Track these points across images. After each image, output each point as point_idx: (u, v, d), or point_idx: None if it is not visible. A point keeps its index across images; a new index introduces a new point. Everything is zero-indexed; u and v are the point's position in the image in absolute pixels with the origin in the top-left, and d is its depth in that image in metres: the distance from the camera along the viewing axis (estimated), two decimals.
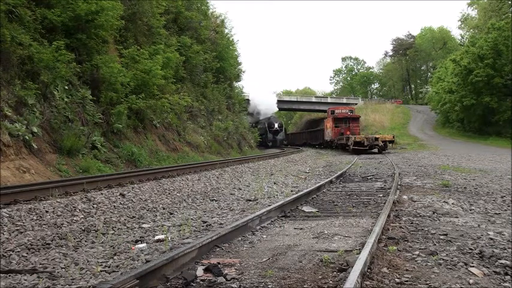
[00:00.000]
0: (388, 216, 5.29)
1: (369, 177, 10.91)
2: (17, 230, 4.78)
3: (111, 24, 15.32)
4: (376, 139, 25.93)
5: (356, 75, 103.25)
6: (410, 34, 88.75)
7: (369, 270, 3.17)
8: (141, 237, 4.66)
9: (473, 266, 3.32)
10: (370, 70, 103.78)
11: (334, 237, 4.43)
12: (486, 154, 21.68)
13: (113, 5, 15.19)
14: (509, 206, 6.17)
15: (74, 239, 4.60)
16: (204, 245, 3.76)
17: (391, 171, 12.51)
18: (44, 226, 5.04)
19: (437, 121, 51.93)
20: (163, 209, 6.54)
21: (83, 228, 5.07)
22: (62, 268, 3.54)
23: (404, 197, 7.09)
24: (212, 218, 5.67)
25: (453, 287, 2.91)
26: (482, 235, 4.29)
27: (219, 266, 3.42)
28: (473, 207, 6.14)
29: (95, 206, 6.21)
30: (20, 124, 10.43)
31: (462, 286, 2.92)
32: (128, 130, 16.14)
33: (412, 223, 4.99)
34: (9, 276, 3.35)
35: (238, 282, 3.07)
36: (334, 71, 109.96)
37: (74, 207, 5.94)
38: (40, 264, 3.68)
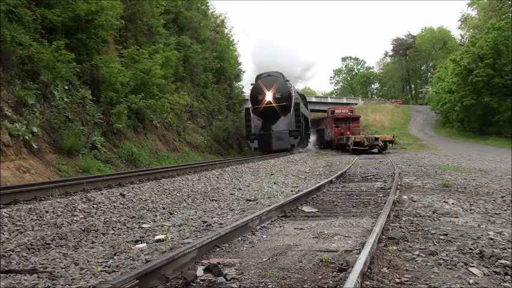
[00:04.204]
0: (388, 216, 5.29)
1: (369, 177, 10.91)
2: (17, 230, 4.78)
3: (111, 24, 15.32)
4: (376, 139, 25.94)
5: (356, 75, 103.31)
6: (410, 34, 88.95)
7: (369, 270, 3.17)
8: (141, 237, 4.65)
9: (473, 266, 3.32)
10: (370, 70, 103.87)
11: (334, 237, 4.43)
12: (486, 154, 21.68)
13: (112, 4, 15.19)
14: (509, 206, 6.17)
15: (74, 239, 4.60)
16: (204, 245, 3.76)
17: (391, 171, 12.50)
18: (44, 226, 5.04)
19: (437, 121, 52.00)
20: (163, 209, 6.53)
21: (83, 228, 5.07)
22: (62, 268, 3.54)
23: (405, 197, 7.08)
24: (212, 218, 5.67)
25: (453, 287, 2.91)
26: (482, 235, 4.29)
27: (219, 266, 3.42)
28: (473, 207, 6.14)
29: (95, 206, 6.20)
30: (20, 124, 10.43)
31: (462, 286, 2.92)
32: (127, 130, 16.14)
33: (412, 223, 4.99)
34: (9, 276, 3.34)
35: (238, 282, 3.07)
36: (334, 71, 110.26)
37: (74, 207, 5.94)
38: (40, 264, 3.68)
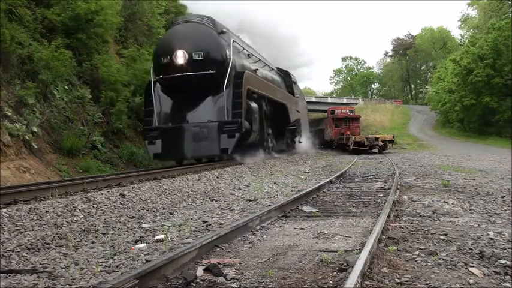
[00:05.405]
0: (388, 216, 5.28)
1: (369, 177, 10.91)
2: (17, 230, 4.77)
3: (110, 23, 15.34)
4: (376, 139, 25.94)
5: (356, 75, 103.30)
6: (410, 34, 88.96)
7: (369, 270, 3.17)
8: (141, 237, 4.65)
9: (473, 266, 3.32)
10: (370, 70, 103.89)
11: (334, 237, 4.43)
12: (486, 154, 21.68)
13: (111, 3, 15.21)
14: (509, 206, 6.17)
15: (74, 239, 4.60)
16: (204, 245, 3.76)
17: (391, 171, 12.50)
18: (44, 226, 5.04)
19: (437, 121, 52.03)
20: (163, 209, 6.53)
21: (83, 228, 5.07)
22: (62, 268, 3.54)
23: (405, 197, 7.08)
24: (212, 218, 5.67)
25: (453, 287, 2.91)
26: (482, 235, 4.29)
27: (219, 266, 3.42)
28: (473, 207, 6.14)
29: (95, 206, 6.20)
30: (20, 124, 10.44)
31: (462, 286, 2.92)
32: (127, 130, 16.15)
33: (412, 223, 4.99)
34: (9, 276, 3.34)
35: (238, 282, 3.07)
36: (334, 71, 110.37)
37: (74, 207, 5.93)
38: (40, 264, 3.68)
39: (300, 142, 25.13)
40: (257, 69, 15.99)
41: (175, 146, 12.34)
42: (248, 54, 15.87)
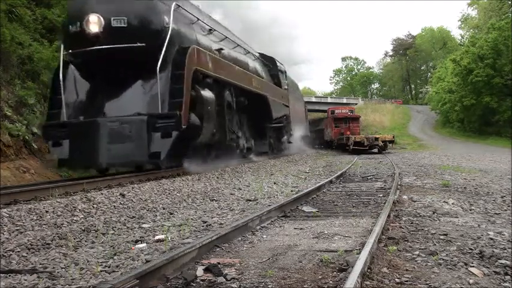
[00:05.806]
0: (388, 216, 5.29)
1: (369, 177, 10.91)
2: (17, 230, 4.78)
3: None
4: (376, 139, 25.97)
5: (356, 75, 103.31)
6: (410, 34, 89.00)
7: (369, 270, 3.17)
8: (141, 237, 4.65)
9: (473, 266, 3.32)
10: (370, 70, 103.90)
11: (334, 237, 4.43)
12: (486, 154, 21.69)
13: None
14: (509, 206, 6.17)
15: (74, 239, 4.60)
16: (204, 245, 3.76)
17: (391, 171, 12.50)
18: (44, 226, 5.04)
19: (437, 121, 52.07)
20: (163, 209, 6.53)
21: (83, 228, 5.07)
22: (62, 268, 3.54)
23: (405, 197, 7.09)
24: (212, 218, 5.67)
25: (453, 287, 2.91)
26: (482, 235, 4.29)
27: (219, 266, 3.42)
28: (473, 207, 6.14)
29: (95, 206, 6.20)
30: (20, 124, 10.44)
31: (462, 286, 2.92)
32: None
33: (412, 223, 4.99)
34: (9, 276, 3.35)
35: (238, 282, 3.07)
36: (334, 71, 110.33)
37: (74, 207, 5.93)
38: (40, 264, 3.68)
39: (289, 142, 21.90)
40: (221, 49, 12.79)
41: (86, 149, 8.88)
42: (210, 30, 12.41)
